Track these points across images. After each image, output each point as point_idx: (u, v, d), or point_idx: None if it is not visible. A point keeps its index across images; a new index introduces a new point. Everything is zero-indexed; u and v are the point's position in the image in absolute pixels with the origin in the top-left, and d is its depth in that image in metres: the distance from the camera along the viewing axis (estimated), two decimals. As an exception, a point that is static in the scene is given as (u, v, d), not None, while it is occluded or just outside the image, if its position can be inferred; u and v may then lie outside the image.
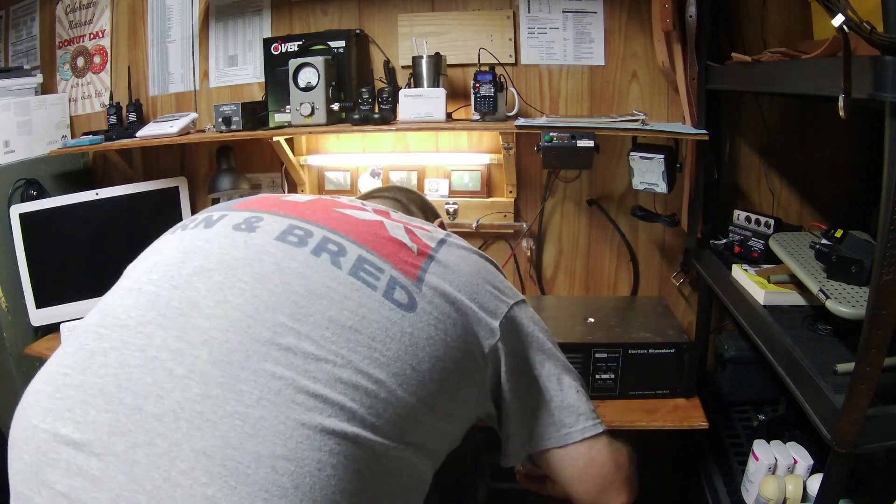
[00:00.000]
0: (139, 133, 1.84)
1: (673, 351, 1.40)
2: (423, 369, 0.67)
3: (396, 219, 0.82)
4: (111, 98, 2.03)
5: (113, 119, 1.94)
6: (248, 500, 0.54)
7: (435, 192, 1.88)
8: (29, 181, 1.90)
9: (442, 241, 0.80)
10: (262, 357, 0.61)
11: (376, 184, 1.92)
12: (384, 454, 0.63)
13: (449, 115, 1.69)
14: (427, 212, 1.15)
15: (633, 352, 1.41)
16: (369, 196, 1.14)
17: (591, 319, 1.56)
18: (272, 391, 0.59)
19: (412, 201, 1.13)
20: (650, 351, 1.41)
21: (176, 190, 2.01)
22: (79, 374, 0.63)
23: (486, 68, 1.61)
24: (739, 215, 1.48)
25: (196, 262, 0.70)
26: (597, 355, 1.42)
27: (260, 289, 0.66)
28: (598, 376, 1.43)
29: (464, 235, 1.93)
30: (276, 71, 1.76)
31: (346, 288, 0.68)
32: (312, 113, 1.65)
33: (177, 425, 0.57)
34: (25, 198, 1.88)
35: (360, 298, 0.67)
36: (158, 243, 0.79)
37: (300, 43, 1.76)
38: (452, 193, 1.87)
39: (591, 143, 1.48)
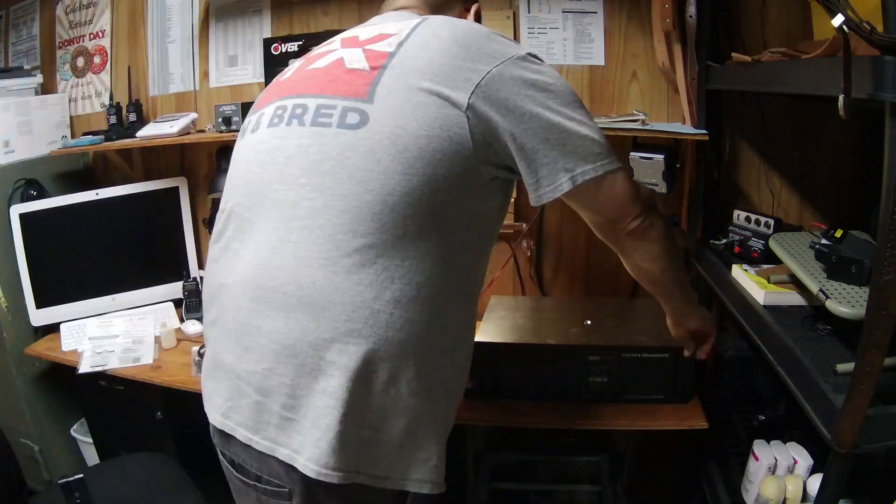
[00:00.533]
0: (139, 133, 1.84)
1: (668, 356, 1.39)
2: (386, 164, 0.80)
3: (364, 40, 0.91)
4: (111, 98, 2.03)
5: (113, 119, 1.94)
6: None
7: (435, 192, 1.88)
8: (29, 181, 1.90)
9: (411, 31, 0.88)
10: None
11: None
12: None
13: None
14: None
15: (627, 356, 1.40)
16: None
17: (589, 322, 1.56)
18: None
19: None
20: (644, 355, 1.40)
21: (176, 190, 2.01)
22: None
23: (486, 68, 1.60)
24: (739, 215, 1.48)
25: (238, 172, 0.95)
26: (590, 358, 1.41)
27: (263, 173, 0.89)
28: (590, 379, 1.42)
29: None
30: (277, 71, 1.75)
31: (310, 138, 0.84)
32: (312, 113, 1.66)
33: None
34: (25, 198, 1.88)
35: (320, 139, 0.84)
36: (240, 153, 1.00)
37: (300, 43, 1.76)
38: (452, 193, 1.87)
39: (591, 144, 1.47)
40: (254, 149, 0.92)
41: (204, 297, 0.95)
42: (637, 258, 1.03)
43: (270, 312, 0.81)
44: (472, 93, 0.81)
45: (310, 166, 0.82)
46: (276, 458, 0.82)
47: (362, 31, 0.95)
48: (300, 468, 0.80)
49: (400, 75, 0.83)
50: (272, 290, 0.81)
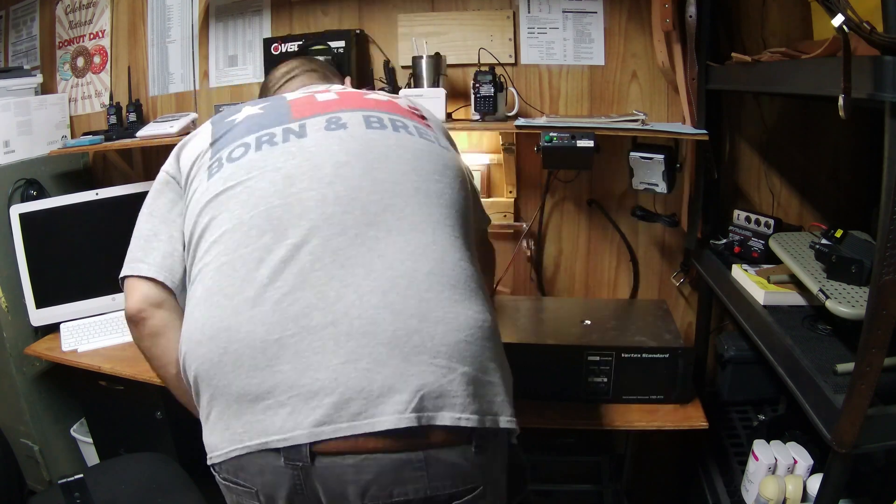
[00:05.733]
0: (139, 133, 1.84)
1: (668, 356, 1.39)
2: (464, 182, 0.99)
3: (383, 96, 1.08)
4: (111, 98, 2.03)
5: (113, 119, 1.94)
6: None
7: (435, 192, 1.88)
8: (29, 181, 1.90)
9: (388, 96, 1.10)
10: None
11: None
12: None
13: (449, 116, 1.69)
14: (338, 73, 1.33)
15: (627, 356, 1.40)
16: (300, 83, 1.22)
17: (588, 322, 1.56)
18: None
19: (325, 67, 1.30)
20: (644, 355, 1.40)
21: (176, 190, 2.00)
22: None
23: (486, 68, 1.61)
24: (739, 215, 1.48)
25: (329, 159, 0.89)
26: (589, 358, 1.41)
27: (388, 163, 0.91)
28: (590, 379, 1.42)
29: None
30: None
31: (425, 146, 0.97)
32: (312, 113, 1.65)
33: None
34: (25, 198, 1.88)
35: (434, 150, 0.98)
36: (237, 170, 0.91)
37: (300, 43, 1.76)
38: (452, 193, 1.87)
39: (591, 144, 1.48)
40: (350, 143, 0.92)
41: (307, 323, 0.79)
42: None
43: (463, 293, 0.85)
44: (452, 144, 1.08)
45: (437, 166, 0.95)
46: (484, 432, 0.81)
47: (337, 88, 1.13)
48: (505, 425, 0.84)
49: (432, 127, 1.06)
50: (458, 279, 0.85)
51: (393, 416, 0.75)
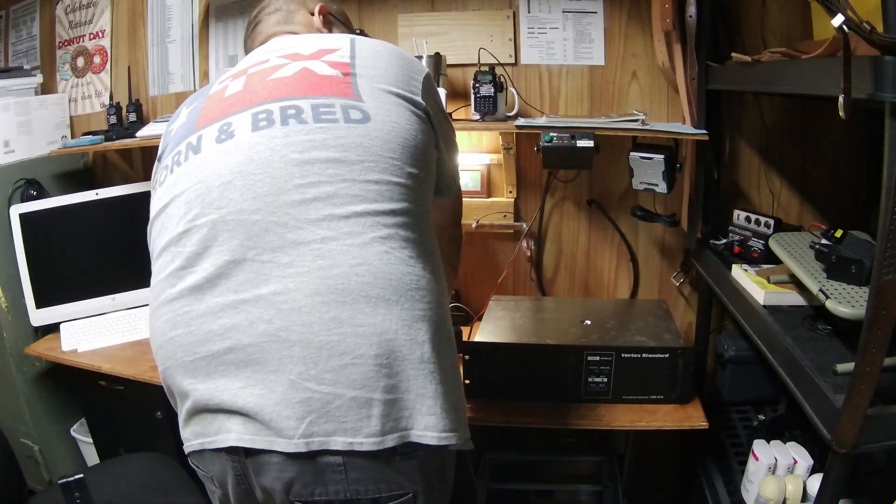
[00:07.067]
0: (139, 133, 1.84)
1: (668, 356, 1.39)
2: (399, 153, 0.87)
3: (311, 54, 0.95)
4: (111, 98, 2.03)
5: (113, 119, 1.94)
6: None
7: (435, 192, 1.88)
8: (29, 181, 1.90)
9: (352, 46, 0.96)
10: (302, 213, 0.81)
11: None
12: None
13: (449, 115, 1.68)
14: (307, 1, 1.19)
15: (627, 356, 1.40)
16: (263, 29, 1.20)
17: (588, 322, 1.56)
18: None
19: (288, 1, 1.20)
20: (644, 355, 1.40)
21: (176, 190, 2.00)
22: None
23: (486, 68, 1.61)
24: (739, 215, 1.48)
25: (216, 181, 0.84)
26: (589, 358, 1.41)
27: (270, 171, 0.83)
28: (590, 379, 1.42)
29: (464, 236, 1.91)
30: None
31: (322, 132, 0.85)
32: (312, 113, 1.66)
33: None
34: (25, 198, 1.88)
35: (334, 133, 0.85)
36: (163, 195, 0.91)
37: (300, 43, 1.76)
38: (452, 193, 1.87)
39: (591, 143, 1.48)
40: (235, 155, 0.85)
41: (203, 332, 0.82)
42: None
43: (353, 308, 0.80)
44: (422, 94, 0.94)
45: (333, 155, 0.84)
46: (384, 453, 0.78)
47: (288, 48, 0.98)
48: (416, 439, 0.80)
49: (368, 81, 0.91)
50: (351, 291, 0.80)
51: (283, 440, 0.78)
